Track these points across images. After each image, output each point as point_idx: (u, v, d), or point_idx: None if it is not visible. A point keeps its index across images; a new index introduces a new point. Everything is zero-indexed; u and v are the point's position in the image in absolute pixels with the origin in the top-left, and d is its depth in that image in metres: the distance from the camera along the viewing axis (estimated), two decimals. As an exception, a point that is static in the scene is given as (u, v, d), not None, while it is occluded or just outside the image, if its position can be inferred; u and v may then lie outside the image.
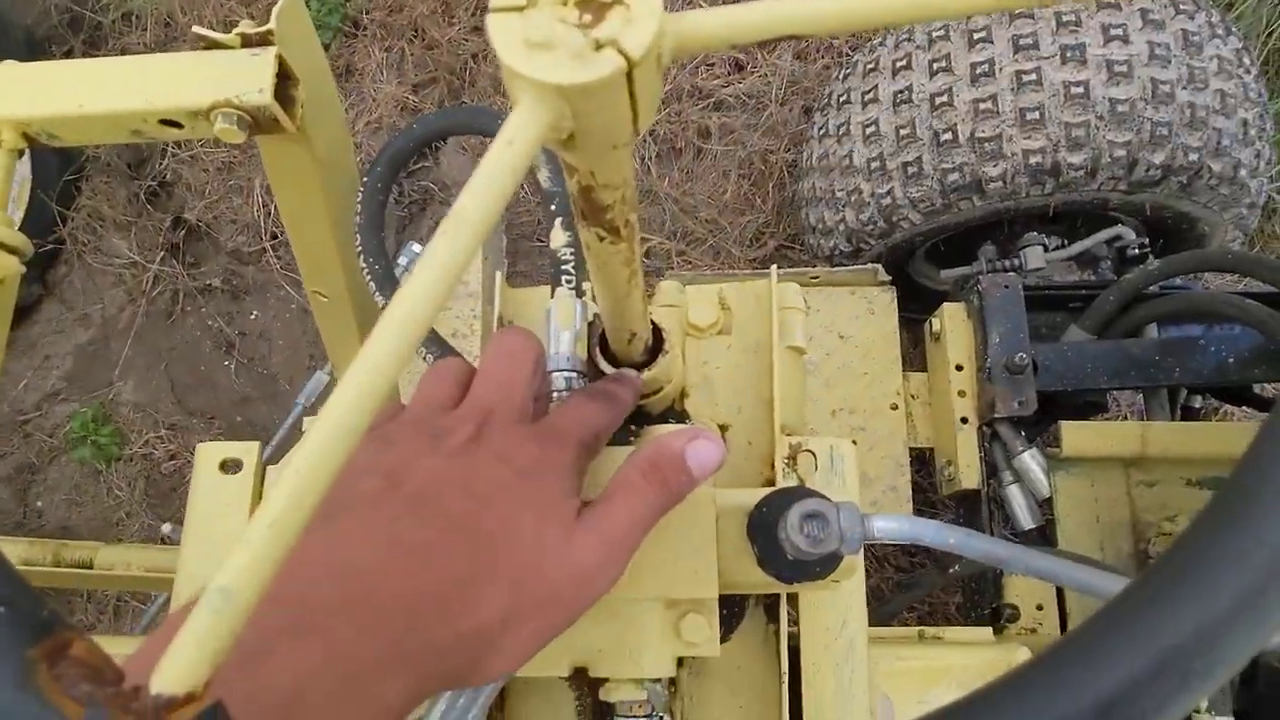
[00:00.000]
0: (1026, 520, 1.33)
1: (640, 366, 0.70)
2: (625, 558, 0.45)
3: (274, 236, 2.18)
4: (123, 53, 2.34)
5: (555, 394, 0.69)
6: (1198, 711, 0.85)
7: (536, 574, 0.41)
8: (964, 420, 1.40)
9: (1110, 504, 1.28)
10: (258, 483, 0.80)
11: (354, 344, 1.30)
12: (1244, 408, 1.48)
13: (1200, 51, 1.38)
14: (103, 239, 2.19)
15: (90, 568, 0.98)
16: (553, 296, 0.71)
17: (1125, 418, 1.89)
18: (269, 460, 0.82)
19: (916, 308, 1.68)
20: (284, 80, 0.79)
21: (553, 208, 0.73)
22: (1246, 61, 1.47)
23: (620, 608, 0.61)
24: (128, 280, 2.16)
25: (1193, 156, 1.37)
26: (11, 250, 0.76)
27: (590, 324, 0.71)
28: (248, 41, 0.77)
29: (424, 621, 0.37)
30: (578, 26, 0.29)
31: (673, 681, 0.68)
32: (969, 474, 1.36)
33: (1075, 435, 1.27)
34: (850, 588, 0.71)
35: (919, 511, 1.49)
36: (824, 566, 0.56)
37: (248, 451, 0.80)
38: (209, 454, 0.80)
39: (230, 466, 0.80)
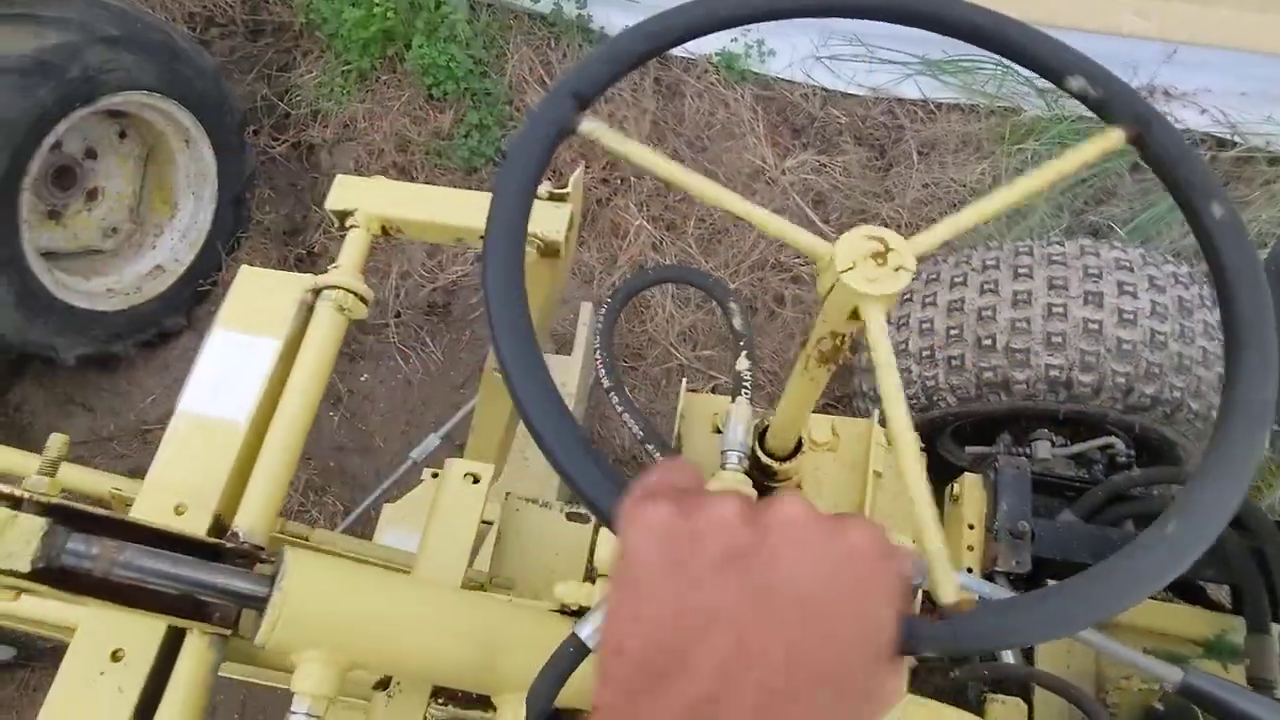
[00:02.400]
0: (1010, 659, 1.60)
1: (786, 459, 1.03)
2: None
3: (397, 314, 2.53)
4: (300, 141, 2.78)
5: (724, 465, 1.02)
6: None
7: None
8: (969, 570, 1.70)
9: (1080, 657, 1.57)
10: (488, 492, 1.10)
11: (504, 413, 1.62)
12: (1194, 605, 1.78)
13: (1191, 315, 1.77)
14: (253, 288, 2.55)
15: (308, 540, 1.27)
16: (733, 402, 1.05)
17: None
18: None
19: (932, 476, 2.01)
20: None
21: (741, 344, 1.08)
22: (1227, 329, 1.86)
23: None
24: (267, 327, 2.50)
25: (1176, 394, 1.72)
26: (362, 299, 1.10)
27: (755, 425, 1.05)
28: (553, 196, 1.14)
29: None
30: (879, 263, 0.65)
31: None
32: (970, 616, 1.65)
33: (1061, 596, 1.57)
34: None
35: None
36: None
37: (485, 470, 1.11)
38: (457, 467, 1.11)
39: (472, 478, 1.11)
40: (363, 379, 2.52)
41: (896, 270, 0.66)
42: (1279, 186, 2.36)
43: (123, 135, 2.36)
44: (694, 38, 0.73)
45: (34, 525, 0.73)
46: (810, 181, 2.52)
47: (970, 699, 1.64)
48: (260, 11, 2.92)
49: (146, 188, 2.46)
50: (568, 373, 2.15)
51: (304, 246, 2.62)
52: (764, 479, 1.05)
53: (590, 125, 0.70)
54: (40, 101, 1.94)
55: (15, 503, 0.74)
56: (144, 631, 0.90)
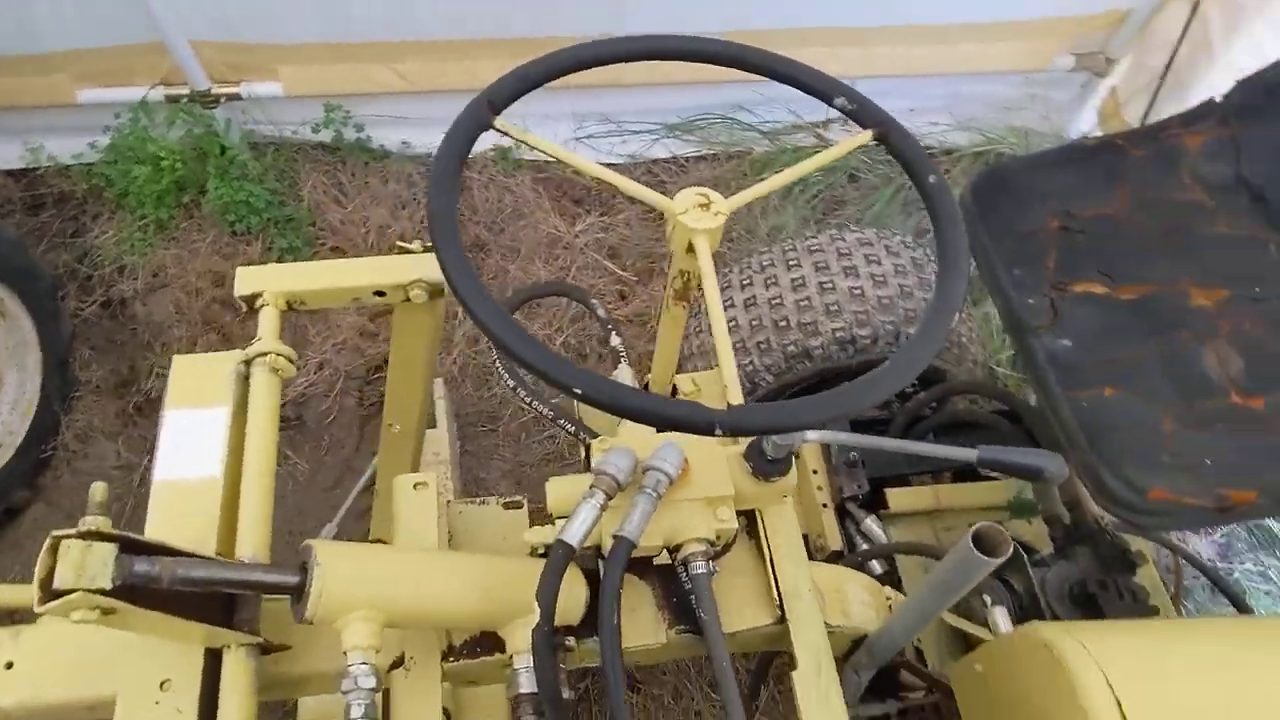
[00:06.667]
0: (875, 565, 1.95)
1: (669, 401, 1.31)
2: None
3: (252, 437, 2.60)
4: (110, 299, 2.80)
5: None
6: (982, 604, 1.46)
7: None
8: (824, 505, 2.05)
9: (923, 533, 1.94)
10: (437, 495, 1.30)
11: (406, 466, 1.80)
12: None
13: (923, 269, 2.26)
14: (92, 446, 2.53)
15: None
16: (615, 369, 1.33)
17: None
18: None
19: (775, 447, 2.37)
20: (444, 270, 1.40)
21: (609, 327, 1.37)
22: (951, 275, 2.38)
23: (684, 505, 1.17)
24: (116, 480, 2.48)
25: (930, 328, 2.20)
26: (289, 359, 1.29)
27: (638, 380, 1.33)
28: (427, 248, 1.39)
29: None
30: (704, 210, 0.97)
31: (713, 558, 1.22)
32: (833, 540, 1.99)
33: (897, 497, 1.96)
34: (788, 519, 1.30)
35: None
36: (785, 463, 1.17)
37: (429, 477, 1.31)
38: (406, 480, 1.31)
39: (419, 486, 1.31)
40: (229, 508, 2.55)
41: (715, 214, 0.99)
42: (958, 170, 3.02)
43: (-74, 323, 2.32)
44: (574, 71, 1.04)
45: (108, 550, 0.87)
46: (601, 239, 2.89)
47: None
48: (38, 186, 2.93)
49: (-39, 370, 2.41)
50: (439, 443, 2.33)
51: (141, 394, 2.63)
52: (655, 423, 1.33)
53: (501, 122, 1.00)
54: None
55: (84, 537, 0.88)
56: (183, 661, 1.03)
